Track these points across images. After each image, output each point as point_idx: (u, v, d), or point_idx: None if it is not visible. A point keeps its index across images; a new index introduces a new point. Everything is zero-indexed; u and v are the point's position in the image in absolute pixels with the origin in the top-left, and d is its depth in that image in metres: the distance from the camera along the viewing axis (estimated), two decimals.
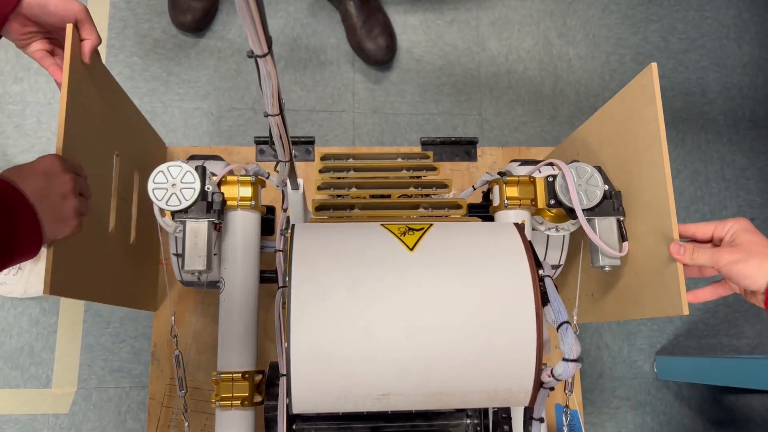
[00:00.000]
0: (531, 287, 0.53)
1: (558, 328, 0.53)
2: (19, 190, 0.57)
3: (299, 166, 1.20)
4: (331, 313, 0.51)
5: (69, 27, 0.70)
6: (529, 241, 0.59)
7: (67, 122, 0.69)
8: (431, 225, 0.59)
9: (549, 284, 0.56)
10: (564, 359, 0.52)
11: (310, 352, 0.51)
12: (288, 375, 0.50)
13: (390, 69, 1.55)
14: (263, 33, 0.42)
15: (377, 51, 1.48)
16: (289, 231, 0.58)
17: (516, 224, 0.61)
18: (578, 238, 0.96)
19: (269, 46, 0.44)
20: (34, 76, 1.45)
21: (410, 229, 0.57)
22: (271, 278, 0.92)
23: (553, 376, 0.53)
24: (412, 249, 0.55)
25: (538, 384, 0.53)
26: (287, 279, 0.52)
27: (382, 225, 0.59)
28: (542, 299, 0.54)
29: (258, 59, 0.45)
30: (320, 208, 0.75)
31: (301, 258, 0.53)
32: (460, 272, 0.54)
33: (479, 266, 0.55)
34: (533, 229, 0.90)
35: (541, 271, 0.56)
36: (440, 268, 0.54)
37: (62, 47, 0.74)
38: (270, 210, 0.94)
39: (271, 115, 0.54)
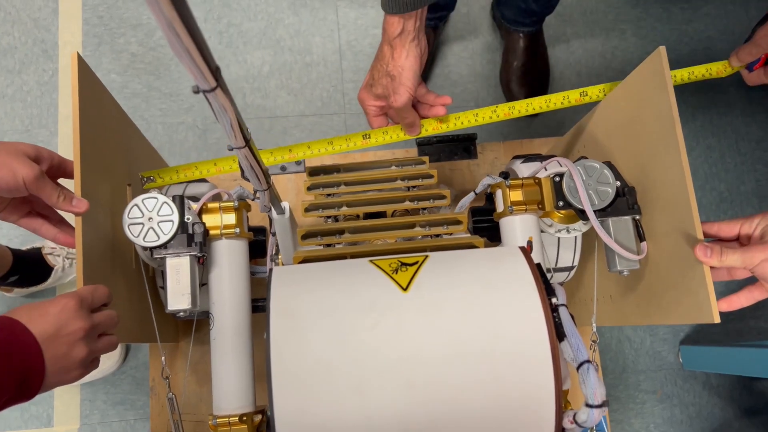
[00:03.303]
0: (544, 322, 0.47)
1: (578, 369, 0.47)
2: (31, 333, 0.52)
3: (290, 178, 1.14)
4: (318, 372, 0.45)
5: (74, 55, 0.65)
6: (538, 265, 0.52)
7: (83, 162, 0.65)
8: (426, 257, 0.52)
9: (564, 315, 0.49)
10: (587, 405, 0.46)
11: (297, 419, 0.45)
12: None
13: None
14: (206, 66, 0.35)
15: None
16: (268, 275, 0.52)
17: (521, 248, 0.54)
18: (592, 236, 0.89)
19: (216, 78, 0.37)
20: (9, 103, 1.39)
21: (403, 264, 0.51)
22: (265, 307, 0.86)
23: (576, 422, 0.47)
24: (405, 289, 0.48)
25: None
26: (266, 335, 0.46)
27: (370, 262, 0.52)
28: (558, 333, 0.48)
29: (207, 94, 0.38)
30: (307, 236, 0.69)
31: (280, 311, 0.47)
32: (462, 312, 0.47)
33: (483, 303, 0.48)
34: (542, 232, 0.83)
35: (554, 300, 0.50)
36: (439, 309, 0.47)
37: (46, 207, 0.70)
38: (260, 230, 0.88)
39: (237, 148, 0.48)
